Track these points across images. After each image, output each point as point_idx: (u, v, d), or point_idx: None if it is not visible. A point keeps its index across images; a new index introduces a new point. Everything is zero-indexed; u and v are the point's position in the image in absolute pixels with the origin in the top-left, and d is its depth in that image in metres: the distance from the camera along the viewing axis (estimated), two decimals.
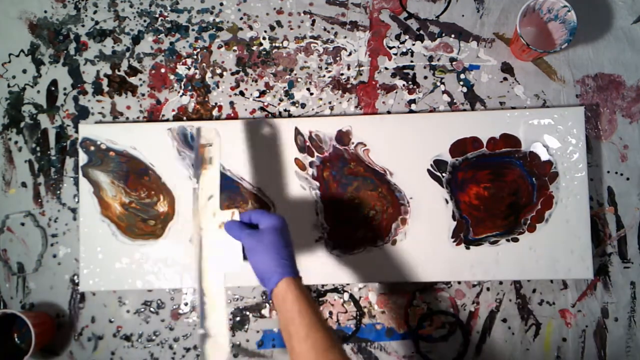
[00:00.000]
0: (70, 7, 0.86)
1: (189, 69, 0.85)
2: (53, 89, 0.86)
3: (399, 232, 0.81)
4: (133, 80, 0.85)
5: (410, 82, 0.84)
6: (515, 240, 0.80)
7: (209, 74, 0.85)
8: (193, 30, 0.86)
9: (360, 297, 0.82)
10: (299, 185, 0.82)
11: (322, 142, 0.82)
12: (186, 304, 0.82)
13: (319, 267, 0.80)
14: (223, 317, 0.66)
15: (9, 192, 0.85)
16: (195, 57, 0.85)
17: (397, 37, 0.85)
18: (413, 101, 0.84)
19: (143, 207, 0.82)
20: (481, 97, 0.84)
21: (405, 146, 0.81)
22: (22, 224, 0.84)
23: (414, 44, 0.85)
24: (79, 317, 0.83)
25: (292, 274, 0.62)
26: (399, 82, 0.84)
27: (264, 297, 0.82)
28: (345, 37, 0.85)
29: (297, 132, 0.82)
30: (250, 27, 0.86)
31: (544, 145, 0.81)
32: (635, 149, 0.83)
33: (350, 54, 0.85)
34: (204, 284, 0.67)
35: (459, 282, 0.81)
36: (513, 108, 0.83)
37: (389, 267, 0.80)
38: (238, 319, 0.82)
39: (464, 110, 0.84)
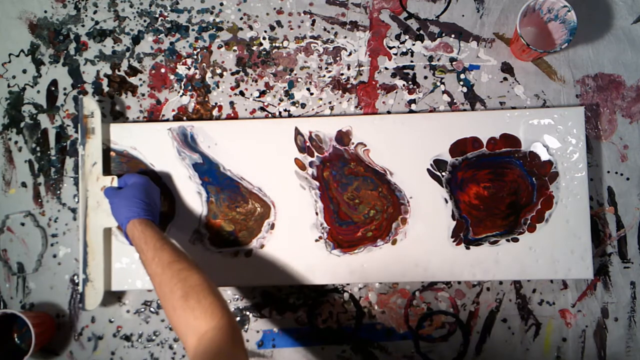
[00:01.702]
0: (70, 7, 0.86)
1: (189, 69, 0.85)
2: (53, 89, 0.86)
3: (399, 232, 0.81)
4: (133, 80, 0.85)
5: (410, 82, 0.84)
6: (515, 240, 0.80)
7: (209, 74, 0.85)
8: (193, 30, 0.86)
9: (360, 297, 0.82)
10: (299, 185, 0.82)
11: (322, 142, 0.82)
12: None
13: (319, 267, 0.80)
14: (100, 266, 0.79)
15: (9, 192, 0.85)
16: (195, 57, 0.85)
17: (397, 37, 0.85)
18: (413, 101, 0.84)
19: None
20: (481, 97, 0.84)
21: (405, 146, 0.81)
22: (22, 224, 0.84)
23: (414, 44, 0.85)
24: (79, 317, 0.83)
25: (140, 217, 0.72)
26: (399, 82, 0.84)
27: (263, 297, 0.82)
28: (345, 37, 0.85)
29: (297, 132, 0.82)
30: (250, 27, 0.86)
31: (544, 145, 0.81)
32: (635, 149, 0.83)
33: (350, 54, 0.85)
34: (87, 237, 0.80)
35: (459, 282, 0.81)
36: (513, 108, 0.83)
37: (389, 267, 0.80)
38: (238, 319, 0.82)
39: (464, 110, 0.84)
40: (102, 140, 0.81)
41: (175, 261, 0.65)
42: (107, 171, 0.82)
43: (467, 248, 0.80)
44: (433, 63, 0.84)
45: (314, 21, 0.85)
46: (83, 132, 0.81)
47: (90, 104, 0.81)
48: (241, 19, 0.86)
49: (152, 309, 0.82)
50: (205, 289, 0.62)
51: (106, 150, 0.83)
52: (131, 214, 0.72)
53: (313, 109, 0.84)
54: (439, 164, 0.81)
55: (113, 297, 0.83)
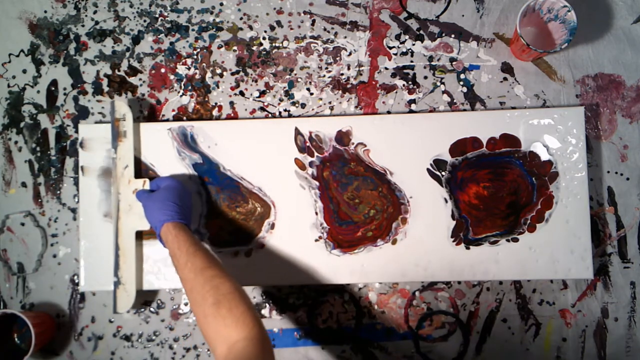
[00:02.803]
0: (70, 7, 0.86)
1: (189, 69, 0.85)
2: (53, 89, 0.86)
3: (399, 232, 0.81)
4: (133, 80, 0.85)
5: (410, 82, 0.84)
6: (515, 240, 0.80)
7: (209, 74, 0.85)
8: (193, 30, 0.86)
9: (360, 297, 0.82)
10: (299, 185, 0.82)
11: (322, 142, 0.82)
12: (186, 304, 0.82)
13: (319, 267, 0.80)
14: (132, 268, 0.79)
15: (9, 192, 0.85)
16: (195, 57, 0.85)
17: (397, 37, 0.85)
18: (413, 101, 0.84)
19: None
20: (481, 97, 0.84)
21: (405, 146, 0.81)
22: (22, 224, 0.84)
23: (414, 44, 0.85)
24: (79, 317, 0.83)
25: (173, 220, 0.72)
26: (399, 82, 0.84)
27: (263, 297, 0.82)
28: (345, 37, 0.85)
29: (297, 132, 0.82)
30: (250, 27, 0.86)
31: (544, 145, 0.81)
32: (635, 149, 0.83)
33: (350, 54, 0.85)
34: (119, 240, 0.80)
35: (459, 282, 0.81)
36: (513, 108, 0.83)
37: (389, 267, 0.80)
38: None
39: (464, 110, 0.84)
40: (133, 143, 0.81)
41: (207, 267, 0.65)
42: (138, 174, 0.82)
43: (467, 248, 0.80)
44: (433, 63, 0.85)
45: (314, 21, 0.85)
46: (115, 135, 0.81)
47: (122, 107, 0.81)
48: (241, 19, 0.86)
49: (152, 309, 0.82)
50: (237, 298, 0.62)
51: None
52: (165, 217, 0.72)
53: (313, 109, 0.84)
54: (438, 163, 0.81)
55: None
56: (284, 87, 0.85)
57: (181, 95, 0.85)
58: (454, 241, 0.81)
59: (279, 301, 0.82)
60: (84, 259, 0.82)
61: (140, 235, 0.82)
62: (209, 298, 0.62)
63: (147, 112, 0.85)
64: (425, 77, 0.84)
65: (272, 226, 0.82)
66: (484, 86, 0.84)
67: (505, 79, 0.84)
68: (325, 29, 0.85)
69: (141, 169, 0.83)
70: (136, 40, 0.86)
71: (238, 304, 0.61)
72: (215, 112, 0.85)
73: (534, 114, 0.81)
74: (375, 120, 0.82)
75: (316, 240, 0.81)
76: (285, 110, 0.84)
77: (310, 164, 0.82)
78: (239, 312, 0.60)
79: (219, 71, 0.85)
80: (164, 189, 0.76)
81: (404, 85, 0.84)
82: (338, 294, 0.82)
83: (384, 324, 0.81)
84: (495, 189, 0.81)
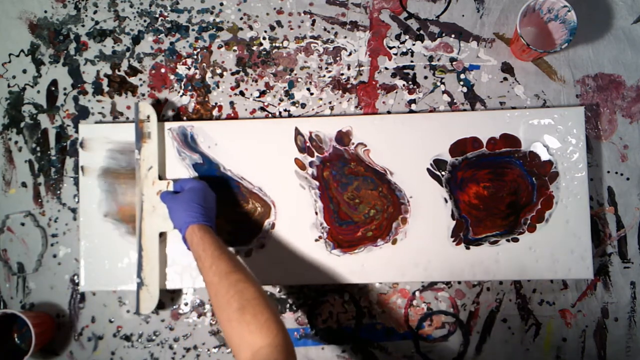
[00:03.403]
0: (70, 7, 0.86)
1: (189, 69, 0.85)
2: (53, 89, 0.86)
3: (400, 232, 0.81)
4: (133, 80, 0.85)
5: (410, 82, 0.84)
6: (515, 240, 0.80)
7: (209, 74, 0.85)
8: (193, 30, 0.86)
9: (360, 297, 0.82)
10: (299, 184, 0.82)
11: (322, 142, 0.82)
12: (186, 304, 0.82)
13: (319, 267, 0.80)
14: (155, 270, 0.79)
15: (9, 192, 0.85)
16: (195, 57, 0.85)
17: (397, 37, 0.85)
18: (413, 101, 0.84)
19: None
20: (481, 97, 0.84)
21: (405, 146, 0.81)
22: (22, 224, 0.84)
23: (414, 44, 0.85)
24: (79, 317, 0.83)
25: (198, 222, 0.72)
26: (399, 82, 0.84)
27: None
28: (346, 37, 0.85)
29: (297, 132, 0.82)
30: (251, 27, 0.86)
31: (544, 145, 0.81)
32: (635, 149, 0.83)
33: (350, 54, 0.85)
34: (142, 241, 0.79)
35: (459, 282, 0.81)
36: (513, 108, 0.83)
37: (389, 267, 0.80)
38: None
39: (464, 110, 0.84)
40: (157, 145, 0.81)
41: (232, 271, 0.65)
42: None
43: (467, 248, 0.80)
44: (433, 63, 0.85)
45: (314, 21, 0.85)
46: (139, 137, 0.81)
47: (146, 109, 0.81)
48: (241, 19, 0.86)
49: None
50: (261, 304, 0.62)
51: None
52: (190, 219, 0.72)
53: (313, 109, 0.84)
54: (439, 163, 0.81)
55: (113, 297, 0.83)
56: (284, 87, 0.85)
57: (181, 95, 0.85)
58: (454, 241, 0.81)
59: (279, 301, 0.82)
60: (84, 259, 0.82)
61: (163, 237, 0.81)
62: (234, 303, 0.62)
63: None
64: (426, 77, 0.84)
65: (272, 226, 0.82)
66: (484, 86, 0.84)
67: (505, 79, 0.84)
68: (325, 29, 0.85)
69: (165, 171, 0.82)
70: (136, 40, 0.86)
71: (263, 310, 0.61)
72: (215, 112, 0.85)
73: (534, 114, 0.81)
74: (375, 120, 0.82)
75: (316, 240, 0.81)
76: (285, 110, 0.84)
77: (310, 164, 0.82)
78: (264, 319, 0.60)
79: (219, 71, 0.85)
80: (188, 191, 0.75)
81: (404, 85, 0.84)
82: (338, 294, 0.82)
83: (384, 324, 0.81)
84: (495, 189, 0.81)
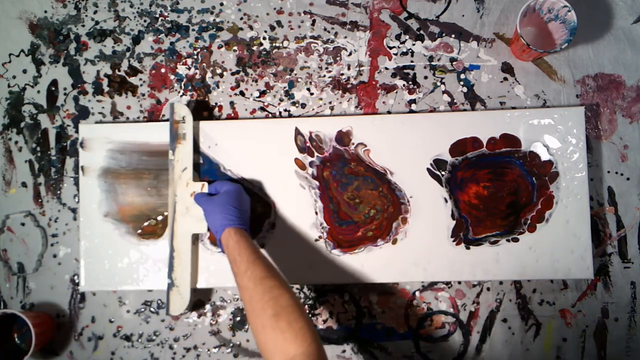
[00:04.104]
0: (70, 7, 0.86)
1: (189, 69, 0.85)
2: (53, 89, 0.86)
3: (400, 231, 0.81)
4: (133, 80, 0.85)
5: (410, 82, 0.84)
6: (515, 240, 0.80)
7: (209, 74, 0.85)
8: (193, 30, 0.86)
9: (360, 297, 0.82)
10: (299, 184, 0.82)
11: (322, 142, 0.82)
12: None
13: (319, 267, 0.80)
14: (187, 272, 0.79)
15: (9, 192, 0.85)
16: (195, 57, 0.85)
17: (397, 37, 0.85)
18: (413, 101, 0.84)
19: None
20: (481, 97, 0.84)
21: (406, 146, 0.81)
22: (23, 224, 0.84)
23: (414, 44, 0.85)
24: (79, 317, 0.83)
25: (234, 225, 0.72)
26: (399, 82, 0.84)
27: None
28: (346, 37, 0.85)
29: (297, 132, 0.82)
30: (251, 27, 0.86)
31: (544, 145, 0.81)
32: (635, 149, 0.83)
33: (350, 54, 0.85)
34: (174, 242, 0.79)
35: (459, 282, 0.81)
36: (513, 108, 0.83)
37: (389, 267, 0.80)
38: (238, 319, 0.82)
39: (464, 110, 0.84)
40: (192, 146, 0.81)
41: (267, 277, 0.65)
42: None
43: (467, 248, 0.80)
44: (433, 63, 0.85)
45: (314, 21, 0.85)
46: (173, 137, 0.80)
47: (182, 110, 0.81)
48: (241, 19, 0.86)
49: (152, 309, 0.82)
50: (296, 311, 0.62)
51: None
52: (227, 222, 0.72)
53: (313, 109, 0.84)
54: (439, 163, 0.81)
55: (113, 297, 0.83)
56: (284, 87, 0.85)
57: (181, 95, 0.85)
58: (454, 241, 0.80)
59: None
60: (84, 259, 0.82)
61: (196, 238, 0.81)
62: (268, 309, 0.62)
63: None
64: (426, 77, 0.84)
65: (272, 226, 0.82)
66: (484, 86, 0.84)
67: (505, 79, 0.84)
68: (325, 29, 0.85)
69: (199, 173, 0.82)
70: (136, 40, 0.86)
71: (297, 318, 0.61)
72: (215, 112, 0.85)
73: (534, 114, 0.81)
74: (375, 120, 0.82)
75: (316, 240, 0.81)
76: (285, 110, 0.84)
77: (311, 164, 0.82)
78: (298, 327, 0.60)
79: (219, 71, 0.85)
80: (224, 193, 0.75)
81: (404, 85, 0.84)
82: (338, 294, 0.82)
83: (384, 324, 0.81)
84: (495, 189, 0.81)
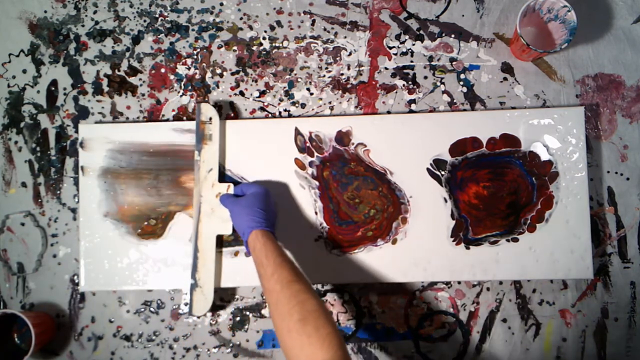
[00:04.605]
0: (70, 7, 0.86)
1: (189, 69, 0.85)
2: (53, 89, 0.86)
3: (400, 231, 0.81)
4: (133, 80, 0.85)
5: (410, 82, 0.84)
6: (515, 240, 0.80)
7: (209, 74, 0.85)
8: (193, 30, 0.86)
9: (360, 297, 0.82)
10: (299, 184, 0.82)
11: (322, 142, 0.82)
12: (186, 304, 0.82)
13: (319, 267, 0.80)
14: (211, 272, 0.79)
15: (9, 192, 0.85)
16: (195, 57, 0.85)
17: (397, 37, 0.85)
18: (413, 101, 0.84)
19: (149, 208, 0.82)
20: (481, 97, 0.84)
21: (405, 146, 0.81)
22: (22, 224, 0.84)
23: (414, 44, 0.85)
24: (79, 317, 0.83)
25: (262, 227, 0.72)
26: (399, 82, 0.84)
27: (263, 297, 0.82)
28: (345, 37, 0.85)
29: (297, 132, 0.82)
30: (250, 27, 0.86)
31: (544, 145, 0.81)
32: (635, 149, 0.83)
33: (350, 54, 0.85)
34: (198, 243, 0.79)
35: (459, 282, 0.81)
36: (513, 108, 0.83)
37: (389, 267, 0.80)
38: (238, 319, 0.82)
39: (464, 110, 0.84)
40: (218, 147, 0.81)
41: (294, 281, 0.65)
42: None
43: (467, 248, 0.80)
44: (433, 63, 0.85)
45: (314, 21, 0.85)
46: (199, 138, 0.81)
47: (209, 110, 0.81)
48: (241, 19, 0.86)
49: (152, 309, 0.82)
50: (322, 317, 0.61)
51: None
52: (254, 224, 0.72)
53: (313, 109, 0.84)
54: (438, 163, 0.81)
55: (113, 297, 0.83)
56: (284, 87, 0.85)
57: (181, 95, 0.85)
58: (453, 241, 0.81)
59: None
60: (84, 259, 0.82)
61: (220, 239, 0.81)
62: (295, 314, 0.62)
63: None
64: (425, 77, 0.84)
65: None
66: (484, 86, 0.84)
67: (505, 79, 0.84)
68: (325, 29, 0.85)
69: (224, 175, 0.82)
70: (136, 40, 0.86)
71: (324, 323, 0.61)
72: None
73: (534, 114, 0.81)
74: (375, 120, 0.82)
75: (316, 240, 0.81)
76: (285, 110, 0.84)
77: (310, 164, 0.82)
78: (325, 333, 0.60)
79: (219, 71, 0.85)
80: (251, 195, 0.75)
81: (404, 85, 0.84)
82: (338, 294, 0.82)
83: (384, 324, 0.81)
84: (495, 188, 0.81)
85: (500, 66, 0.84)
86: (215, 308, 0.82)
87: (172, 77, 0.85)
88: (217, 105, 0.84)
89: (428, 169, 0.81)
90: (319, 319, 0.61)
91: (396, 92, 0.84)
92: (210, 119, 0.81)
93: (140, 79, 0.85)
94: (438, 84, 0.84)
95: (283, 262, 0.67)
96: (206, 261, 0.79)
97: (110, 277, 0.81)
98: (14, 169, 0.85)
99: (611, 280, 0.81)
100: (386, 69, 0.85)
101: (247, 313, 0.82)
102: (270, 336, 0.81)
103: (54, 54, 0.86)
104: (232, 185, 0.80)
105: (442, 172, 0.81)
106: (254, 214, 0.73)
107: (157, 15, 0.86)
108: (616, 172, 0.82)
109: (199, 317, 0.81)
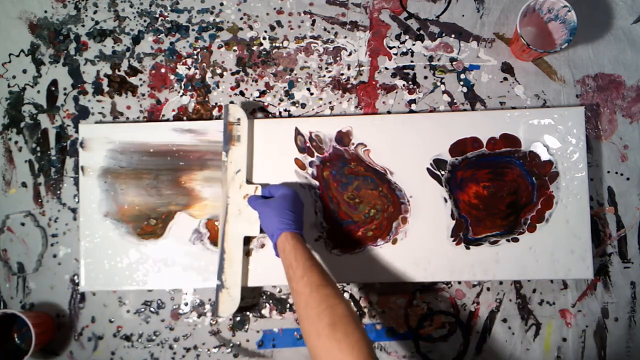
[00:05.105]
0: (70, 7, 0.86)
1: (189, 69, 0.85)
2: (53, 89, 0.86)
3: (400, 231, 0.81)
4: (133, 80, 0.85)
5: (410, 82, 0.84)
6: (515, 240, 0.80)
7: (209, 74, 0.85)
8: (193, 30, 0.86)
9: (360, 297, 0.82)
10: (299, 184, 0.82)
11: (322, 142, 0.82)
12: (186, 304, 0.82)
13: None
14: (238, 273, 0.78)
15: (9, 192, 0.85)
16: (195, 57, 0.85)
17: (397, 37, 0.85)
18: (413, 101, 0.84)
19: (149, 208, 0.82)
20: (481, 97, 0.84)
21: (405, 146, 0.81)
22: (22, 224, 0.84)
23: (414, 44, 0.85)
24: (79, 317, 0.83)
25: (291, 230, 0.72)
26: (399, 82, 0.84)
27: (263, 297, 0.82)
28: (346, 37, 0.85)
29: (297, 133, 0.82)
30: (251, 27, 0.86)
31: (544, 145, 0.81)
32: (635, 149, 0.83)
33: (350, 54, 0.85)
34: (225, 244, 0.79)
35: (459, 282, 0.81)
36: (513, 108, 0.83)
37: (389, 267, 0.80)
38: (238, 319, 0.82)
39: (464, 110, 0.84)
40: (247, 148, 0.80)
41: (324, 285, 0.65)
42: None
43: (467, 248, 0.80)
44: (433, 63, 0.85)
45: (314, 21, 0.85)
46: (227, 139, 0.80)
47: (237, 111, 0.80)
48: (241, 19, 0.86)
49: (152, 309, 0.82)
50: (352, 322, 0.61)
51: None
52: (283, 225, 0.72)
53: (313, 109, 0.84)
54: (438, 163, 0.81)
55: (113, 297, 0.83)
56: (284, 87, 0.85)
57: (181, 95, 0.85)
58: (453, 241, 0.80)
59: (279, 301, 0.82)
60: (84, 259, 0.82)
61: (247, 241, 0.80)
62: (325, 318, 0.61)
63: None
64: (426, 77, 0.84)
65: None
66: (484, 86, 0.84)
67: (505, 79, 0.84)
68: (325, 29, 0.85)
69: (252, 175, 0.82)
70: (136, 40, 0.86)
71: (354, 329, 0.60)
72: (215, 112, 0.85)
73: (534, 114, 0.81)
74: (375, 120, 0.82)
75: (316, 240, 0.81)
76: (285, 110, 0.84)
77: (311, 164, 0.82)
78: (355, 339, 0.59)
79: (219, 71, 0.85)
80: (280, 197, 0.75)
81: (404, 85, 0.84)
82: None
83: (384, 324, 0.81)
84: (495, 188, 0.81)
85: (500, 66, 0.84)
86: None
87: (172, 77, 0.85)
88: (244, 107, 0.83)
89: (428, 169, 0.81)
90: (349, 325, 0.60)
91: (396, 92, 0.84)
92: (239, 119, 0.80)
93: (140, 79, 0.85)
94: (438, 84, 0.84)
95: (313, 265, 0.67)
96: (233, 263, 0.78)
97: (110, 277, 0.81)
98: (14, 169, 0.85)
99: (611, 280, 0.81)
100: (386, 69, 0.85)
101: (247, 313, 0.82)
102: (270, 336, 0.81)
103: (54, 54, 0.86)
104: (259, 186, 0.79)
105: (442, 172, 0.81)
106: (283, 215, 0.73)
107: (157, 15, 0.86)
108: (616, 172, 0.82)
109: (222, 319, 0.81)
